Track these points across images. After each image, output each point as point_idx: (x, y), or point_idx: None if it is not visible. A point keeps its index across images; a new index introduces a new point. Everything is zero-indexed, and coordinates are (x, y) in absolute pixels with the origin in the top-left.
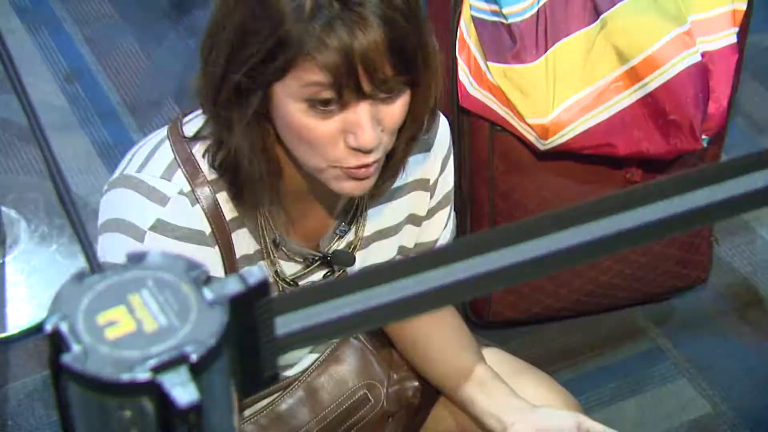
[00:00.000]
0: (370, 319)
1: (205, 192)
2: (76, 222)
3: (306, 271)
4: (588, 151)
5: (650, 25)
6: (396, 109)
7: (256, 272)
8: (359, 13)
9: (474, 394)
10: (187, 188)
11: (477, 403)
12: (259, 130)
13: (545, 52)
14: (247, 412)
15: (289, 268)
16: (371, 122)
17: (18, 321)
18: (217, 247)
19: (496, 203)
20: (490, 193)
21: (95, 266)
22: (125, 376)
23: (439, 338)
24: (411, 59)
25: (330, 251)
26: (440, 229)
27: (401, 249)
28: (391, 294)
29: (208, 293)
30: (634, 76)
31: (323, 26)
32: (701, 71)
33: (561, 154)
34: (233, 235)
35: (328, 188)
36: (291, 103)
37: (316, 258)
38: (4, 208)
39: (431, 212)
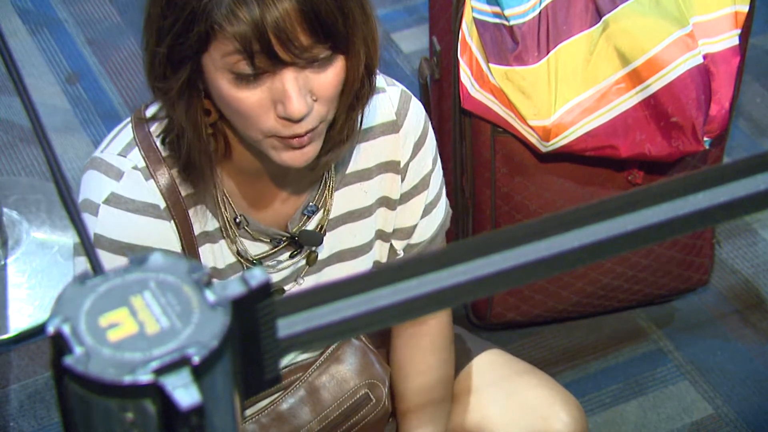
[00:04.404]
0: (372, 321)
1: (160, 168)
2: (78, 223)
3: (273, 251)
4: (590, 153)
5: (652, 27)
6: (328, 78)
7: (258, 274)
8: None
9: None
10: (141, 164)
11: None
12: (200, 107)
13: (547, 53)
14: (248, 412)
15: (255, 248)
16: (298, 91)
17: (20, 323)
18: (172, 222)
19: (498, 205)
20: (491, 195)
21: (97, 268)
22: (127, 378)
23: (410, 358)
24: (330, 27)
25: (298, 231)
26: (418, 216)
27: (379, 233)
28: (393, 296)
29: (210, 295)
30: (636, 78)
31: None
32: (703, 73)
33: (563, 155)
34: (190, 211)
35: (282, 167)
36: (218, 75)
37: (283, 238)
38: (6, 210)
39: (406, 196)
